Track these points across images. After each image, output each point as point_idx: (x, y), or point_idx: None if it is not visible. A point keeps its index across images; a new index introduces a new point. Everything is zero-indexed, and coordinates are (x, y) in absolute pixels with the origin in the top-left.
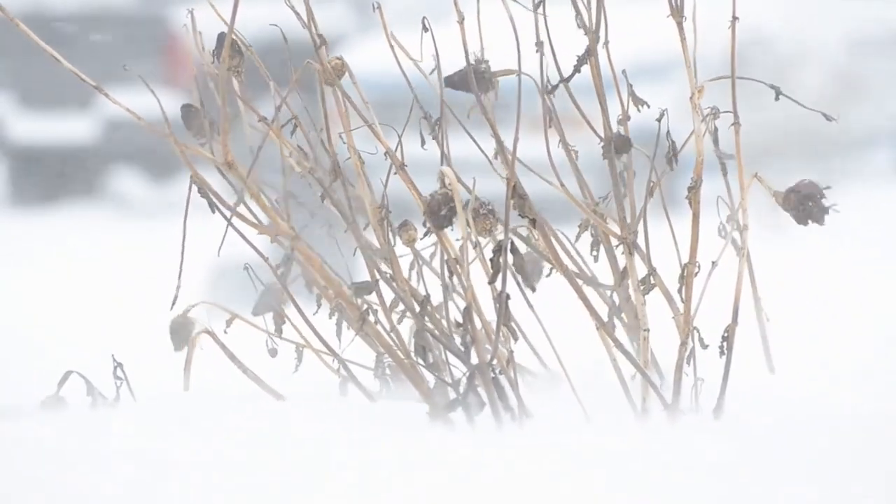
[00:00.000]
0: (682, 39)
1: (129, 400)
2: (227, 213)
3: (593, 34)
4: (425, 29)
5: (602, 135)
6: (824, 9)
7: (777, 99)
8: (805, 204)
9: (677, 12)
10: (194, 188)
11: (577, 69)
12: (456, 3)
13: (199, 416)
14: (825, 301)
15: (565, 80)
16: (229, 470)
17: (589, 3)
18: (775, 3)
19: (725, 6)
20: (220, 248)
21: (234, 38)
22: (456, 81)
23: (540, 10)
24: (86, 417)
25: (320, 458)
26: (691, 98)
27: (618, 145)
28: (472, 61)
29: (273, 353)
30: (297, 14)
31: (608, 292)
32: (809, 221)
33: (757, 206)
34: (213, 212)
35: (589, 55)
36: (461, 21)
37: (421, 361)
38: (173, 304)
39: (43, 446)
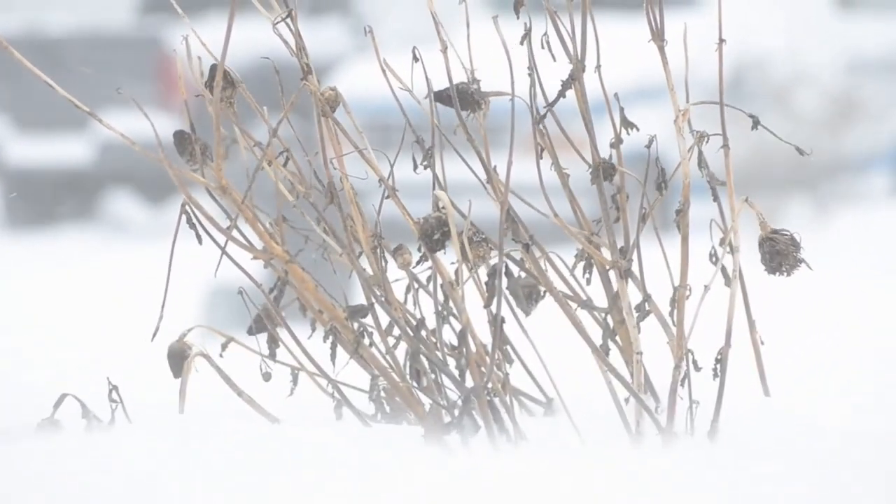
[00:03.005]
0: (665, 64)
1: (124, 422)
2: (221, 237)
3: (578, 62)
4: (416, 59)
5: (590, 160)
6: (822, 31)
7: (754, 128)
8: (776, 259)
9: (658, 36)
10: (185, 212)
11: (560, 95)
12: (439, 32)
13: (193, 438)
14: (820, 323)
15: (549, 106)
16: (224, 490)
17: (574, 32)
18: (773, 25)
19: (723, 28)
20: (215, 271)
21: (227, 69)
22: (445, 98)
23: (533, 33)
24: (82, 440)
25: (315, 478)
26: (675, 121)
27: (604, 172)
28: (463, 81)
29: (267, 377)
30: (286, 44)
31: (602, 315)
32: (777, 274)
33: (751, 229)
34: (201, 243)
35: (573, 80)
36: (444, 50)
37: (416, 384)
38: (154, 335)
39: (38, 469)
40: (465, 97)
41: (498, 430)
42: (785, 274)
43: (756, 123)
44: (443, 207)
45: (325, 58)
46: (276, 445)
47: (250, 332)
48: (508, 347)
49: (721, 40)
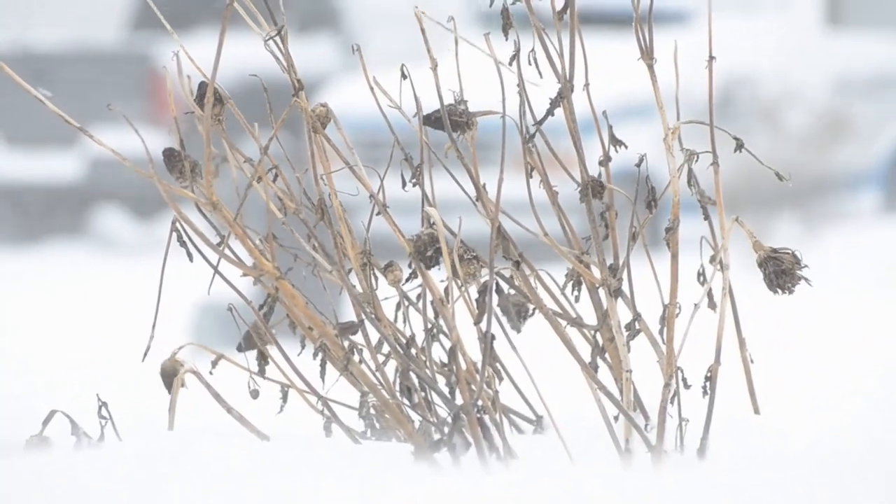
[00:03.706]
0: (654, 82)
1: (113, 439)
2: (211, 254)
3: (566, 81)
4: (404, 76)
5: (579, 178)
6: (811, 49)
7: (738, 151)
8: (780, 277)
9: (647, 54)
10: (176, 230)
11: (549, 113)
12: (429, 50)
13: (183, 455)
14: (809, 341)
15: (538, 125)
16: None
17: (561, 50)
18: (762, 44)
19: (713, 46)
20: (209, 288)
21: (216, 87)
22: (434, 121)
23: (522, 51)
24: (71, 456)
25: (305, 495)
26: (664, 139)
27: (593, 189)
28: (452, 103)
29: (255, 394)
30: (276, 59)
31: (591, 333)
32: (779, 291)
33: (741, 247)
34: (192, 260)
35: (561, 98)
36: (434, 67)
37: (406, 402)
38: (145, 355)
39: (27, 486)
40: (453, 118)
41: (488, 447)
42: (788, 292)
43: (740, 146)
44: (433, 224)
45: (314, 75)
46: (266, 462)
47: (239, 349)
48: (498, 365)
49: (711, 58)
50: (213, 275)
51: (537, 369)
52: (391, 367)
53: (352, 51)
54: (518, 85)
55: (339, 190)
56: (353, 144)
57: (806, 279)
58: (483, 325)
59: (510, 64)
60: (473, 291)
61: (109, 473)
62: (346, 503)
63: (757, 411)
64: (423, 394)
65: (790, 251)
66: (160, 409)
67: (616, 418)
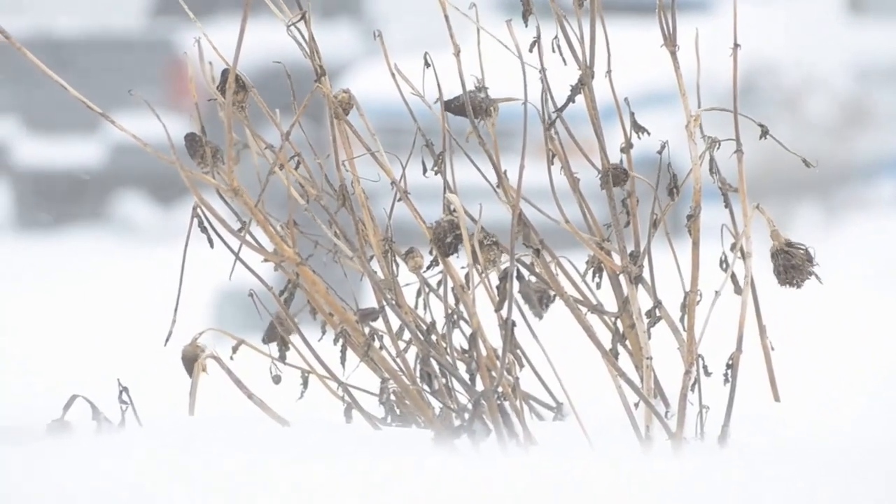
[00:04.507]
0: (677, 69)
1: (134, 424)
2: (232, 240)
3: (587, 67)
4: (427, 64)
5: (601, 165)
6: (832, 38)
7: (763, 137)
8: (789, 272)
9: (671, 42)
10: (197, 216)
11: (569, 100)
12: (452, 36)
13: (204, 441)
14: (829, 329)
15: (559, 111)
16: (234, 494)
17: (582, 36)
18: (783, 31)
19: (736, 34)
20: (230, 274)
21: (239, 74)
22: (455, 108)
23: (543, 38)
24: (92, 441)
25: (325, 480)
26: (687, 126)
27: (615, 177)
28: (472, 89)
29: (277, 379)
30: (299, 45)
31: (612, 320)
32: (789, 286)
33: (763, 235)
34: (212, 246)
35: (582, 85)
36: (457, 53)
37: (426, 388)
38: (167, 341)
39: (48, 469)
40: (473, 104)
41: (508, 433)
42: (796, 286)
43: (765, 133)
44: (454, 210)
45: (336, 61)
46: (286, 448)
47: (264, 341)
48: (519, 351)
49: (735, 45)
50: (235, 261)
51: (558, 356)
52: (412, 354)
53: (373, 37)
54: (540, 71)
55: (360, 176)
56: (375, 131)
57: (817, 276)
58: (504, 312)
59: (531, 51)
60: (494, 278)
61: (130, 458)
62: (366, 489)
63: (777, 399)
64: (443, 380)
65: (804, 247)
66: (181, 395)
67: (636, 405)
